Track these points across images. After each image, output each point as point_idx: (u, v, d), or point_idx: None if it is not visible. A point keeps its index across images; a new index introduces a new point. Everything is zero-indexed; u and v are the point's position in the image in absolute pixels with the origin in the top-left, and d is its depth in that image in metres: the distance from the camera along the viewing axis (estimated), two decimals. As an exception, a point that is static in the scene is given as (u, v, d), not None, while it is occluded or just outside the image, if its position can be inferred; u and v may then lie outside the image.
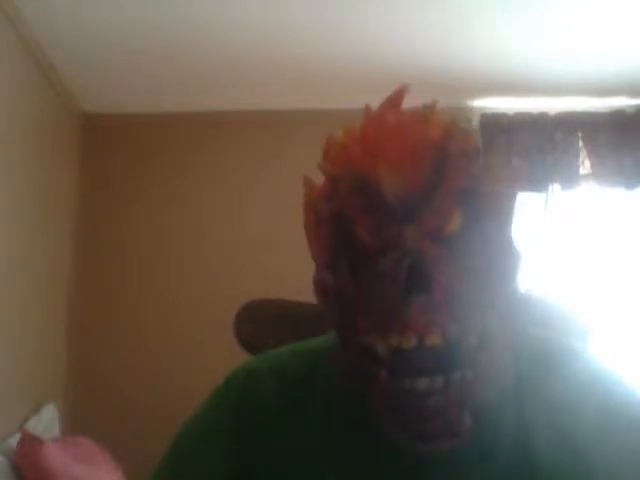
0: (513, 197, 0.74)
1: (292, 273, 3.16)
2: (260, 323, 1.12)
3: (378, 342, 0.68)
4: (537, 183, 3.13)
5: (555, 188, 3.18)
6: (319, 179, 0.75)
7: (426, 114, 0.72)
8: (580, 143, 3.19)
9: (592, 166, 3.18)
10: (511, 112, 3.20)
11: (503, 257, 0.71)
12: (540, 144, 3.16)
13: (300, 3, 2.47)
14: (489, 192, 0.71)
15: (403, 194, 0.67)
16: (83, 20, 2.57)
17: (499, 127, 3.17)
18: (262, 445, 0.81)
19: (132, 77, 3.08)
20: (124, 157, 3.41)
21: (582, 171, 3.18)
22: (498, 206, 0.72)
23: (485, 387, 0.71)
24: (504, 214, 0.73)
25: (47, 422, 2.77)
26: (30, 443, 2.39)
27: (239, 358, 0.93)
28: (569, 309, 1.06)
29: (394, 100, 0.74)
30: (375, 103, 0.75)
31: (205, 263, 3.33)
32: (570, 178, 3.17)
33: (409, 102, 0.76)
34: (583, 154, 3.19)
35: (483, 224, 0.70)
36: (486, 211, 0.70)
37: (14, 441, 2.42)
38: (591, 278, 3.16)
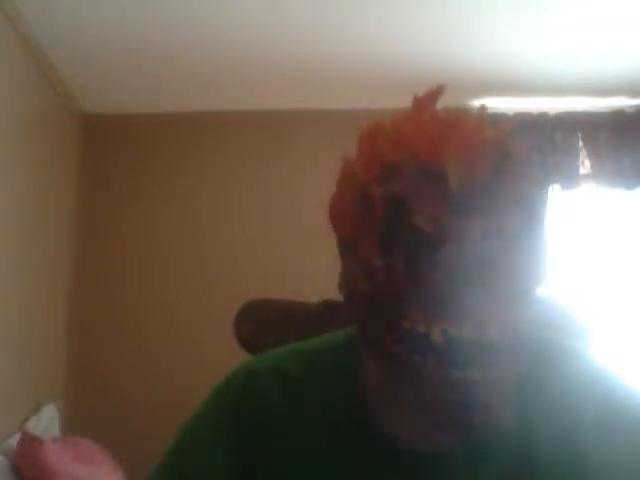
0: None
1: (292, 273, 3.17)
2: (260, 323, 1.12)
3: (434, 329, 0.68)
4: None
5: (555, 188, 3.18)
6: (326, 178, 0.74)
7: (480, 114, 0.73)
8: (580, 143, 3.19)
9: (592, 166, 3.18)
10: (511, 112, 3.19)
11: (544, 258, 0.73)
12: (540, 144, 3.16)
13: (300, 3, 2.47)
14: (540, 196, 0.73)
15: (467, 186, 0.68)
16: (83, 20, 2.57)
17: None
18: (262, 445, 0.81)
19: (132, 77, 3.08)
20: (124, 157, 3.41)
21: (582, 171, 3.18)
22: (545, 209, 0.74)
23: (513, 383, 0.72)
24: (545, 216, 0.75)
25: (47, 422, 2.77)
26: (30, 443, 2.39)
27: (239, 358, 0.93)
28: (569, 309, 1.06)
29: (432, 98, 0.75)
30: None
31: (205, 263, 3.33)
32: (570, 178, 3.17)
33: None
34: (583, 154, 3.19)
35: (534, 226, 0.72)
36: (539, 214, 0.73)
37: (14, 441, 2.42)
38: (591, 278, 3.16)
